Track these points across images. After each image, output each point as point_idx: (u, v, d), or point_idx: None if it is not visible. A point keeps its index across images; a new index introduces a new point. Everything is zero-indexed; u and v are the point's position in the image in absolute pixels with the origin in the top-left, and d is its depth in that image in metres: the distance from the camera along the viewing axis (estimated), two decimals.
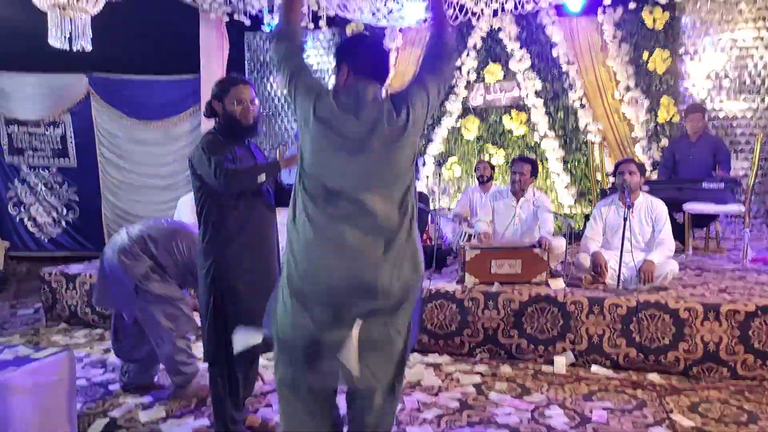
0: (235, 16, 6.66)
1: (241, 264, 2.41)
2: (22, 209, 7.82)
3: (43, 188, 7.79)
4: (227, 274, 2.41)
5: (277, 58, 1.95)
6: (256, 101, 2.54)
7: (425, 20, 6.72)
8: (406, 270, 1.83)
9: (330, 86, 1.94)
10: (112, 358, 3.77)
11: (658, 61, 6.62)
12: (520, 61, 7.02)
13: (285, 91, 1.94)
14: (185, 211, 4.50)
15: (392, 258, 1.80)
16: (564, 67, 6.92)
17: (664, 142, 6.58)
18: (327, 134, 1.82)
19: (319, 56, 7.89)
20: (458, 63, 7.29)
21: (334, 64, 2.04)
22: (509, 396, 3.12)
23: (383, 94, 1.94)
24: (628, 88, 6.75)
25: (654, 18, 6.61)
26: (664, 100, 6.63)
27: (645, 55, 6.67)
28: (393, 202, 1.83)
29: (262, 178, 2.41)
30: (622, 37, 6.75)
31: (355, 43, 2.04)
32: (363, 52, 1.94)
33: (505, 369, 3.53)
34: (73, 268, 4.72)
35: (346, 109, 1.82)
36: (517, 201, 4.53)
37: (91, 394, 3.16)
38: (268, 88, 8.14)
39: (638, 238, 3.95)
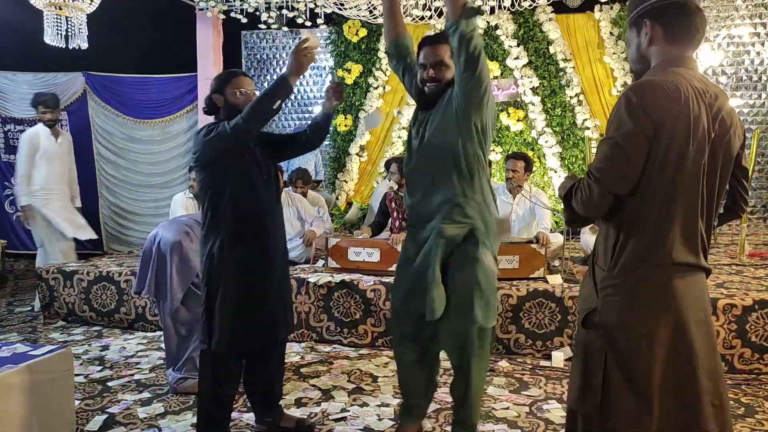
0: (232, 14, 6.66)
1: (235, 250, 2.37)
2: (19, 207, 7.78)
3: None
4: (222, 260, 2.37)
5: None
6: (257, 93, 2.46)
7: (422, 18, 6.71)
8: None
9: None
10: (110, 355, 3.77)
11: None
12: (517, 58, 7.03)
13: None
14: (178, 208, 4.51)
15: None
16: (561, 64, 6.93)
17: None
18: None
19: (317, 53, 7.87)
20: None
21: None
22: (507, 390, 3.13)
23: None
24: (625, 85, 6.75)
25: None
26: None
27: None
28: None
29: (278, 102, 2.27)
30: (618, 34, 6.76)
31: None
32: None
33: (503, 364, 3.54)
34: (71, 266, 4.70)
35: None
36: (514, 198, 4.53)
37: (89, 391, 3.16)
38: (266, 85, 8.12)
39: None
